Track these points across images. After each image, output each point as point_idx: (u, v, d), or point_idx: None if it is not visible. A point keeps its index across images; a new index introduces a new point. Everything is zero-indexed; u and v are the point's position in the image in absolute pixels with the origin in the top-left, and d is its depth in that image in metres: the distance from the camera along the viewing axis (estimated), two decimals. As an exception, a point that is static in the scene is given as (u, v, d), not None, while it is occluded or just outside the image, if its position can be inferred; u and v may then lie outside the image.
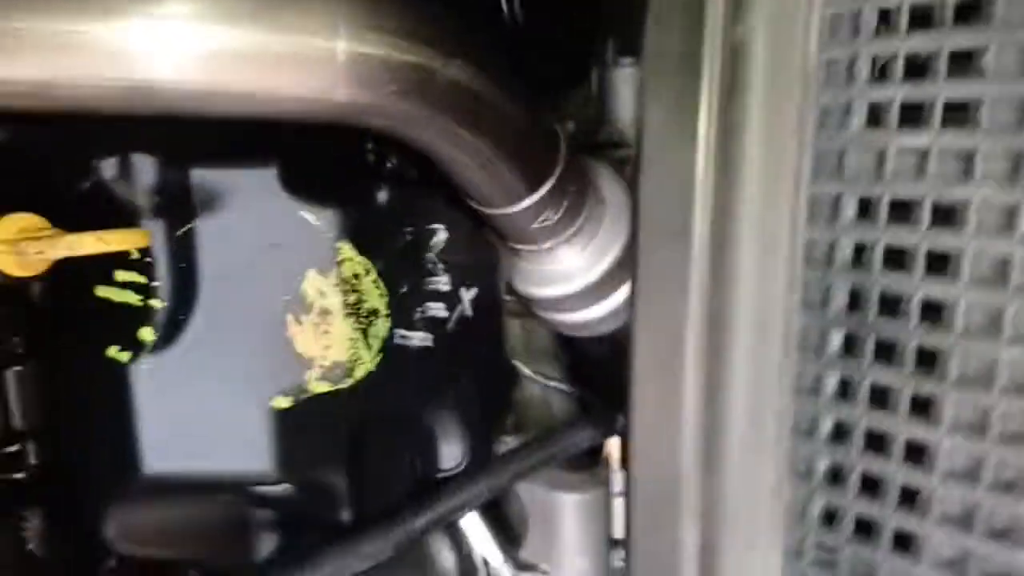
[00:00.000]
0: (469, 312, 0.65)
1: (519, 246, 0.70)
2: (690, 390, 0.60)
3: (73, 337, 0.62)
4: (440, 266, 0.63)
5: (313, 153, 0.59)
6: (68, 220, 0.56)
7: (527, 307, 0.78)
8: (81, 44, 0.47)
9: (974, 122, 0.51)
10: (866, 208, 0.56)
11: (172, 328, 0.60)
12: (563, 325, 0.76)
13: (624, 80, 0.92)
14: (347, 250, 0.60)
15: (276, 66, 0.51)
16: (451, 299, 0.64)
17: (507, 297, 0.73)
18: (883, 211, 0.54)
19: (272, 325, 0.60)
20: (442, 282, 0.64)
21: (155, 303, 0.60)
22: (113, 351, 0.61)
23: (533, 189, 0.65)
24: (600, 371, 0.87)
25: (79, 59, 0.48)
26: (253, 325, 0.60)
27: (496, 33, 0.69)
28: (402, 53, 0.53)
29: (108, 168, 0.58)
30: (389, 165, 0.63)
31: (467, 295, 0.65)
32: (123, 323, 0.60)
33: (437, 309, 0.64)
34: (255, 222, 0.58)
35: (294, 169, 0.59)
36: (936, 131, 0.52)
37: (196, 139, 0.57)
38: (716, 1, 0.58)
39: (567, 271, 0.71)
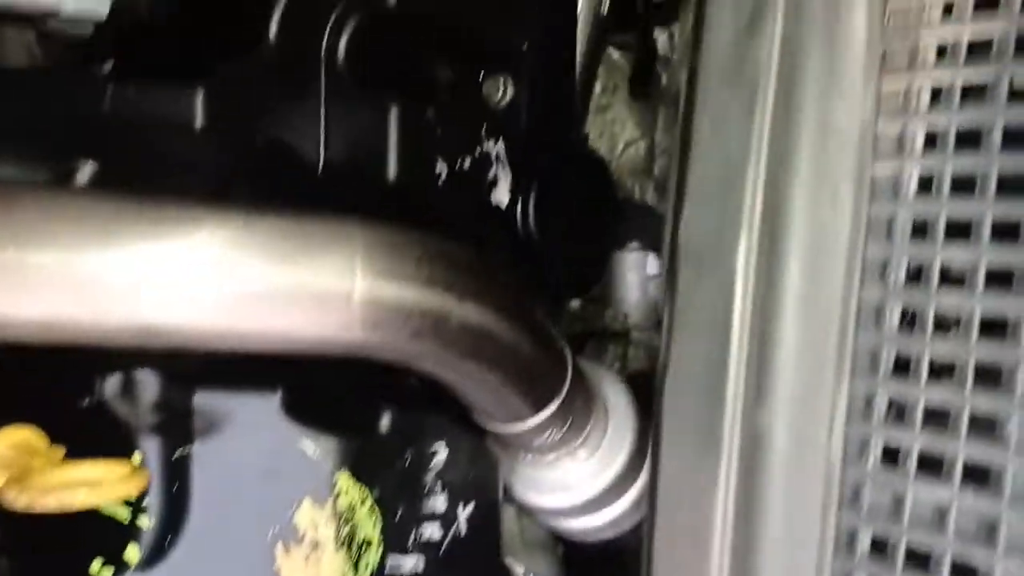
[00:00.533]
0: (464, 531, 0.63)
1: (520, 455, 0.69)
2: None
3: (56, 546, 0.60)
4: (438, 486, 0.62)
5: (317, 379, 0.59)
6: (66, 436, 0.55)
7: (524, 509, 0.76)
8: (84, 282, 0.47)
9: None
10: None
11: (158, 550, 0.58)
12: (561, 530, 0.74)
13: (630, 265, 0.93)
14: (345, 479, 0.59)
15: (290, 307, 0.51)
16: (447, 518, 0.63)
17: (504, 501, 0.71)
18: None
19: (261, 555, 0.58)
20: (439, 502, 0.62)
21: (143, 522, 0.58)
22: (96, 566, 0.59)
23: (538, 409, 0.64)
24: (597, 566, 0.85)
25: (83, 298, 0.48)
26: (241, 553, 0.58)
27: (508, 246, 0.70)
28: (418, 298, 0.54)
29: (110, 385, 0.57)
30: (394, 390, 0.62)
31: (463, 513, 0.64)
32: (109, 538, 0.59)
33: (432, 530, 0.62)
34: (253, 449, 0.57)
35: (297, 395, 0.58)
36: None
37: (202, 360, 0.57)
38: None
39: (569, 481, 0.70)
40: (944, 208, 0.51)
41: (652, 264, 0.91)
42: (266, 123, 0.61)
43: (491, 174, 0.69)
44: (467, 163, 0.66)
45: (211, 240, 0.51)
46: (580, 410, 0.68)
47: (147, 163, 0.60)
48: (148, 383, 0.57)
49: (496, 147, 0.69)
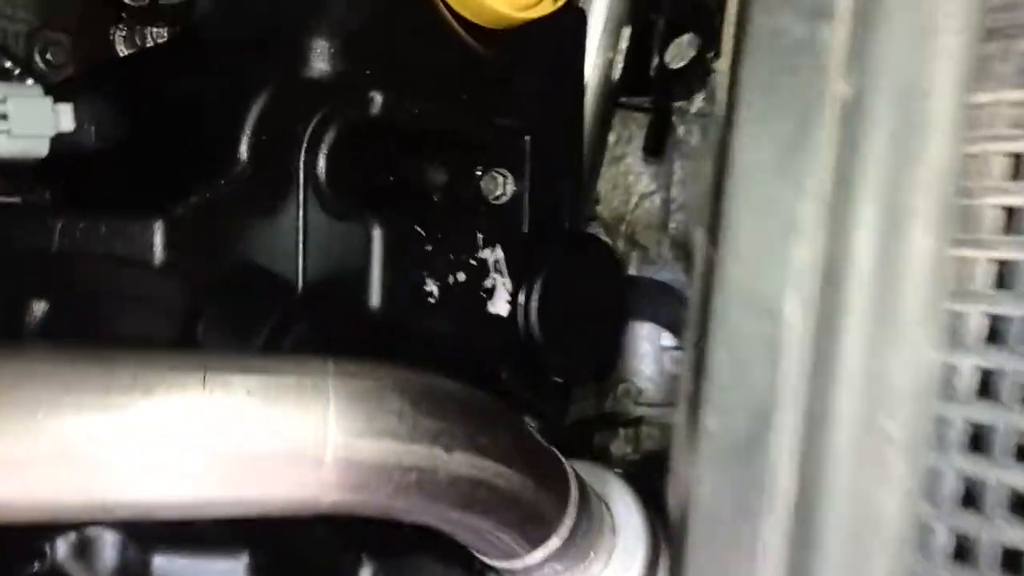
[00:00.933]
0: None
1: (520, 585, 0.65)
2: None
3: None
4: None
5: (288, 535, 0.54)
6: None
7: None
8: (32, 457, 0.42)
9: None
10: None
11: None
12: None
13: (644, 336, 0.87)
14: (324, 654, 0.55)
15: (258, 472, 0.47)
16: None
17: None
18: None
19: None
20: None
21: None
22: None
23: (536, 546, 0.60)
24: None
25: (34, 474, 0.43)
26: None
27: (507, 352, 0.64)
28: (400, 453, 0.50)
29: (63, 548, 0.53)
30: (376, 537, 0.57)
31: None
32: None
33: None
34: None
35: (265, 555, 0.54)
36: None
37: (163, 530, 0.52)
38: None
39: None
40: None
41: (667, 336, 0.85)
42: (238, 249, 0.55)
43: (488, 283, 0.63)
44: (461, 276, 0.60)
45: (164, 405, 0.46)
46: (583, 539, 0.63)
47: (103, 301, 0.55)
48: (103, 545, 0.52)
49: (494, 254, 0.63)
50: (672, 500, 0.56)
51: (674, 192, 0.90)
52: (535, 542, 0.59)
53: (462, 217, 0.62)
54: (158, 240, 0.51)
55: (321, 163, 0.56)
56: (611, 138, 0.88)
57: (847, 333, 0.37)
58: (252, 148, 0.54)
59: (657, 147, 0.81)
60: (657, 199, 0.91)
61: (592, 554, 0.65)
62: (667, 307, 0.80)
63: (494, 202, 0.64)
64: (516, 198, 0.64)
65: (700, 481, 0.50)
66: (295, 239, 0.57)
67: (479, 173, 0.64)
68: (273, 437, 0.47)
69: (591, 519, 0.64)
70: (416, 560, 0.59)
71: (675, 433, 0.51)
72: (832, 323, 0.37)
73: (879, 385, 0.37)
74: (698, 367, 0.43)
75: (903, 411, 0.37)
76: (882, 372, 0.37)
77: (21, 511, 0.45)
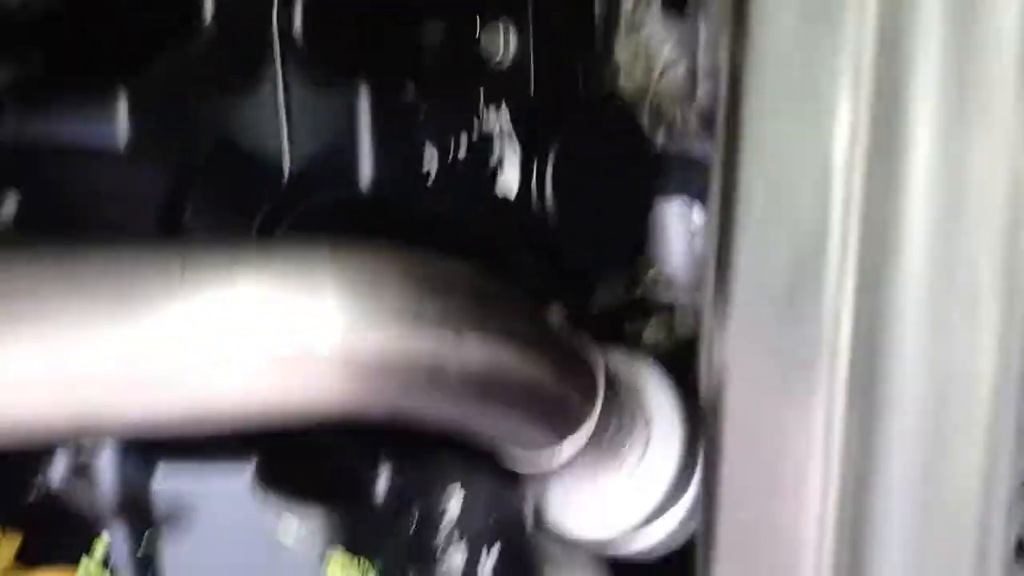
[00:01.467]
0: (489, 577, 0.55)
1: (551, 484, 0.60)
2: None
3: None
4: (453, 540, 0.54)
5: (296, 442, 0.49)
6: (16, 525, 0.48)
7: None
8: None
9: None
10: None
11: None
12: (603, 554, 0.66)
13: (673, 216, 0.80)
14: (339, 560, 0.50)
15: (257, 373, 0.43)
16: (469, 570, 0.55)
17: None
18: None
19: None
20: (456, 559, 0.54)
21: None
22: None
23: (566, 438, 0.55)
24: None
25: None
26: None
27: (520, 236, 0.58)
28: (407, 343, 0.44)
29: (61, 472, 0.49)
30: (388, 440, 0.52)
31: (487, 562, 0.56)
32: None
33: (451, 588, 0.54)
34: (227, 539, 0.49)
35: (272, 466, 0.49)
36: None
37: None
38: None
39: (607, 509, 0.61)
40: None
41: (698, 214, 0.79)
42: (212, 129, 0.49)
43: (495, 156, 0.56)
44: (463, 149, 0.54)
45: (146, 303, 0.42)
46: (615, 429, 0.59)
47: (75, 191, 0.49)
48: (102, 464, 0.48)
49: (499, 120, 0.56)
50: (705, 383, 0.50)
51: (700, 59, 0.82)
52: (561, 436, 0.55)
53: (462, 80, 0.55)
54: (121, 117, 0.45)
55: (298, 20, 0.49)
56: (627, 3, 0.80)
57: (916, 126, 0.29)
58: (217, 4, 0.47)
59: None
60: (682, 67, 0.83)
61: (626, 445, 0.60)
62: (698, 183, 0.73)
63: (497, 62, 0.57)
64: (521, 55, 0.57)
65: (734, 353, 0.43)
66: (276, 113, 0.51)
67: (478, 31, 0.57)
68: (269, 334, 0.42)
69: (622, 410, 0.59)
70: (437, 460, 0.54)
71: (703, 302, 0.45)
72: (896, 118, 0.29)
73: (959, 196, 0.29)
74: (726, 205, 0.36)
75: (993, 228, 0.29)
76: (962, 168, 0.29)
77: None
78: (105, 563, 0.49)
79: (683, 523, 0.63)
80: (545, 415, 0.52)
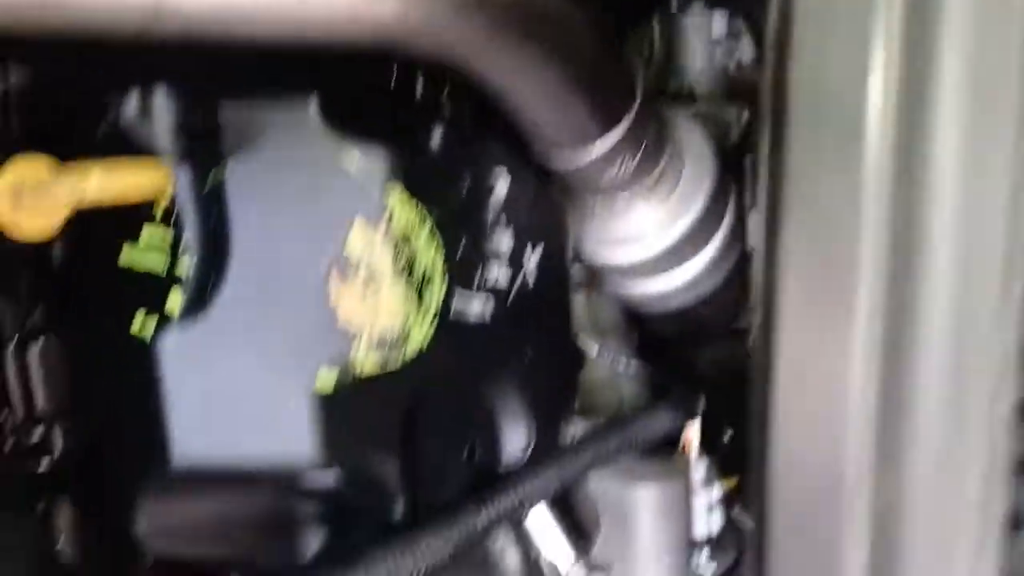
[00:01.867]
0: (533, 277, 0.57)
1: (590, 201, 0.62)
2: (861, 336, 0.45)
3: (96, 308, 0.56)
4: (501, 223, 0.56)
5: (356, 87, 0.52)
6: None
7: (594, 278, 0.70)
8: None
9: None
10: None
11: (200, 295, 0.53)
12: (635, 298, 0.68)
13: (693, 28, 0.84)
14: (397, 197, 0.52)
15: None
16: (514, 261, 0.57)
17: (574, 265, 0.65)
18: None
19: (313, 289, 0.53)
20: (504, 242, 0.56)
21: (181, 268, 0.53)
22: (138, 324, 0.54)
23: (607, 128, 0.57)
24: (674, 350, 0.79)
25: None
26: (291, 289, 0.53)
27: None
28: None
29: (126, 105, 0.51)
30: (442, 102, 0.55)
31: (532, 257, 0.58)
32: (148, 293, 0.54)
33: (499, 273, 0.56)
34: (292, 168, 0.51)
35: (336, 106, 0.51)
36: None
37: (226, 71, 0.50)
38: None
39: (642, 229, 0.63)
40: None
41: (718, 25, 0.82)
42: None
43: None
44: None
45: None
46: (652, 140, 0.60)
47: None
48: (167, 103, 0.51)
49: None
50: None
51: None
52: (605, 120, 0.56)
53: None
54: None
55: None
56: None
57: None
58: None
59: None
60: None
61: (659, 173, 0.62)
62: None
63: None
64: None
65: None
66: None
67: None
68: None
69: (659, 119, 0.62)
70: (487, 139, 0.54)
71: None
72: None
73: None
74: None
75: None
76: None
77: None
78: (166, 218, 0.51)
79: (709, 269, 0.65)
80: (586, 83, 0.53)
